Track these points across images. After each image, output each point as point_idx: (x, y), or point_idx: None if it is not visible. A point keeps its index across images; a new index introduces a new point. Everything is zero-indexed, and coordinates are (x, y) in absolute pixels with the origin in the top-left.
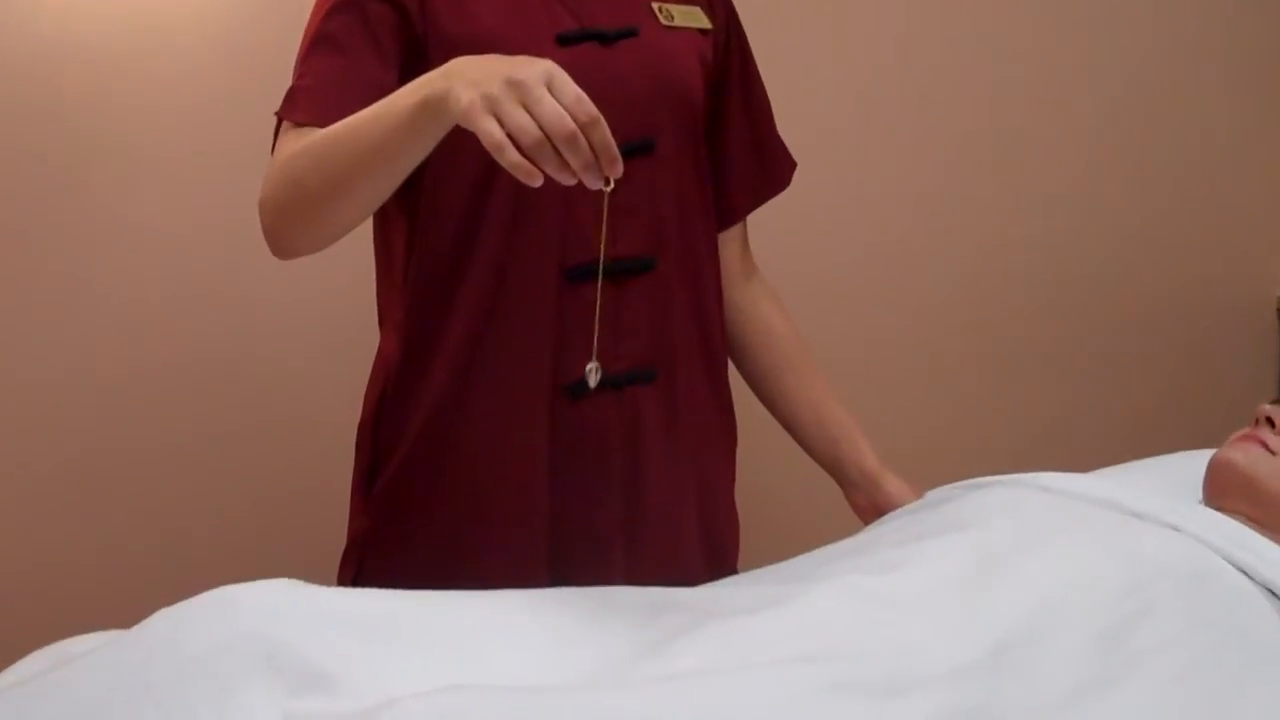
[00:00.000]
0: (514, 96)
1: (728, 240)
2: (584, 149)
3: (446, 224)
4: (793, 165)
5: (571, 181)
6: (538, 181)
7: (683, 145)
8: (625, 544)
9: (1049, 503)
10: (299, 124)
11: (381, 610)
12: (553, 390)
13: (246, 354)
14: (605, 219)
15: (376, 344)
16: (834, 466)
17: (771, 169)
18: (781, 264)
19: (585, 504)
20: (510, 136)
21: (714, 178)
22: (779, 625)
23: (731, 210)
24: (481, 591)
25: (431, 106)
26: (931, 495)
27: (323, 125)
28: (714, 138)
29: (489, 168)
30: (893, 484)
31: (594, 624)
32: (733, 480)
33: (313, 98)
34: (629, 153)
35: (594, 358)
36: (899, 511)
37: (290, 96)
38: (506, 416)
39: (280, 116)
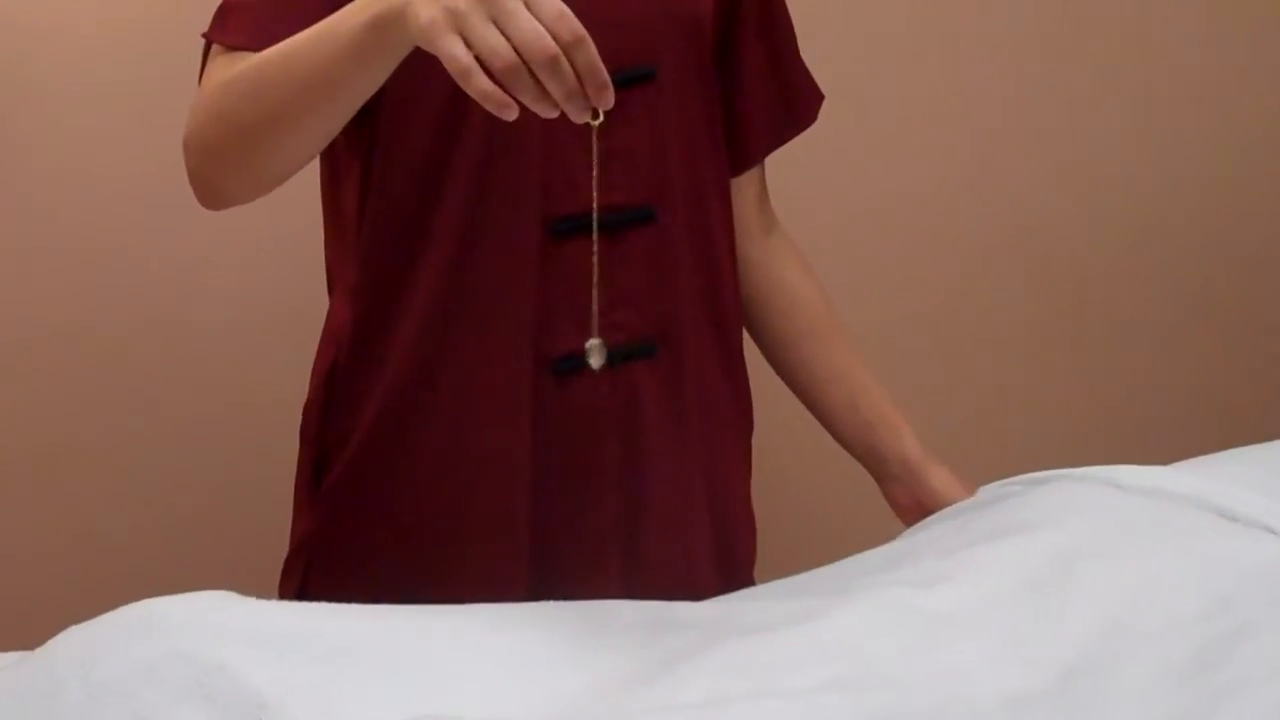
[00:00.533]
0: (483, 12)
1: (742, 187)
2: (567, 74)
3: (407, 167)
4: (819, 98)
5: (553, 113)
6: (512, 114)
7: (688, 74)
8: (622, 550)
9: (1123, 501)
10: (231, 48)
11: (331, 628)
12: (535, 367)
13: (166, 323)
14: (596, 160)
15: (325, 311)
16: (869, 456)
17: (794, 103)
18: (804, 217)
19: (574, 503)
20: (479, 59)
21: (726, 113)
22: (804, 646)
23: (747, 152)
24: (451, 606)
25: (385, 25)
26: (984, 492)
27: (259, 49)
28: (726, 66)
29: (457, 99)
30: (940, 478)
31: (584, 645)
32: (748, 475)
33: (246, 17)
34: (625, 83)
35: (595, 333)
36: (946, 512)
37: (220, 16)
38: (480, 399)
39: (208, 39)
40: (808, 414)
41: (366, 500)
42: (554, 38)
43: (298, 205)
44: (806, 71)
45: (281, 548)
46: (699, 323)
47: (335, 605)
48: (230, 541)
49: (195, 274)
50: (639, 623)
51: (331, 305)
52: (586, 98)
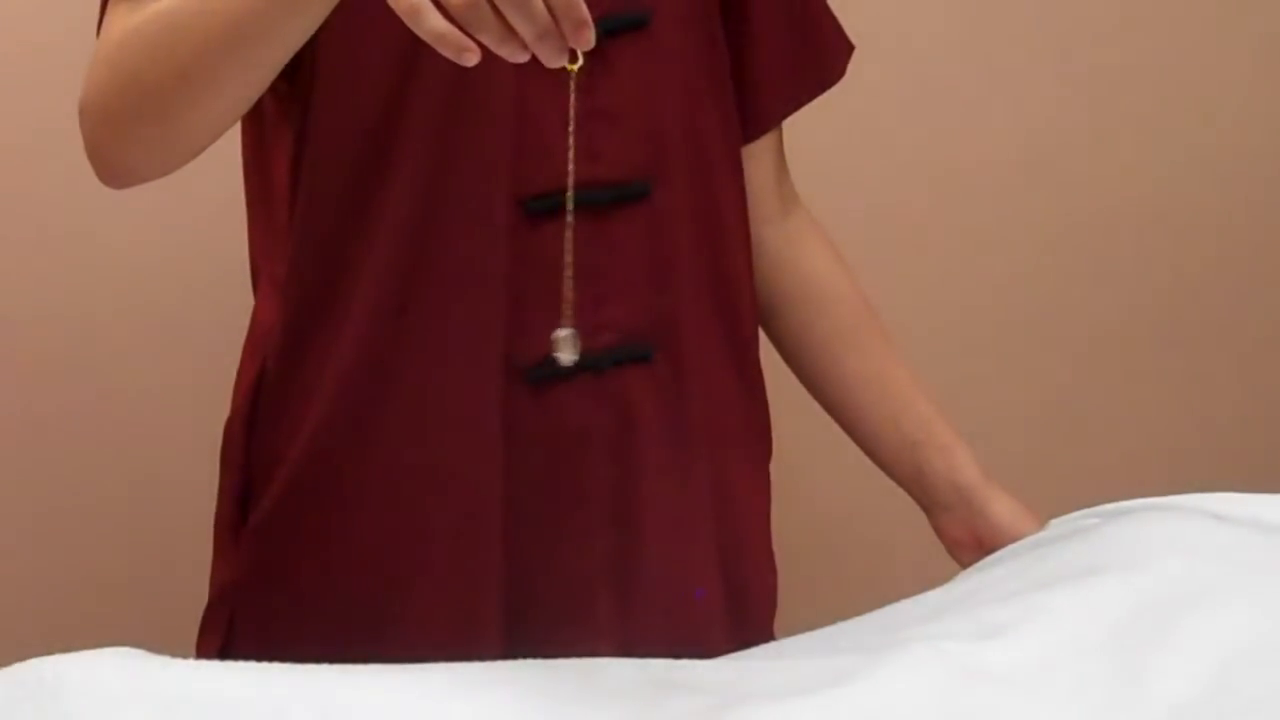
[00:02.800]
0: None
1: (755, 156)
2: (538, 8)
3: (349, 134)
4: (848, 49)
5: (521, 57)
6: (473, 58)
7: (688, 20)
8: (612, 596)
9: (1225, 535)
10: None
11: (261, 694)
12: (506, 375)
13: (56, 321)
14: (573, 119)
15: (249, 310)
16: (915, 481)
17: (817, 55)
18: (832, 198)
19: (555, 539)
20: None
21: (735, 67)
22: (836, 715)
23: (760, 114)
24: (405, 666)
25: None
26: (1055, 527)
27: None
28: (734, 9)
29: (409, 48)
30: (1002, 507)
31: (569, 713)
32: (767, 507)
33: None
34: (613, 29)
35: (565, 321)
36: (1008, 550)
37: None
38: (440, 414)
39: None
40: (837, 432)
41: (302, 538)
42: None
43: (213, 181)
44: (832, 16)
45: (199, 594)
46: (705, 322)
47: (265, 666)
48: (137, 587)
49: (87, 266)
50: (633, 685)
51: (256, 303)
52: (562, 38)
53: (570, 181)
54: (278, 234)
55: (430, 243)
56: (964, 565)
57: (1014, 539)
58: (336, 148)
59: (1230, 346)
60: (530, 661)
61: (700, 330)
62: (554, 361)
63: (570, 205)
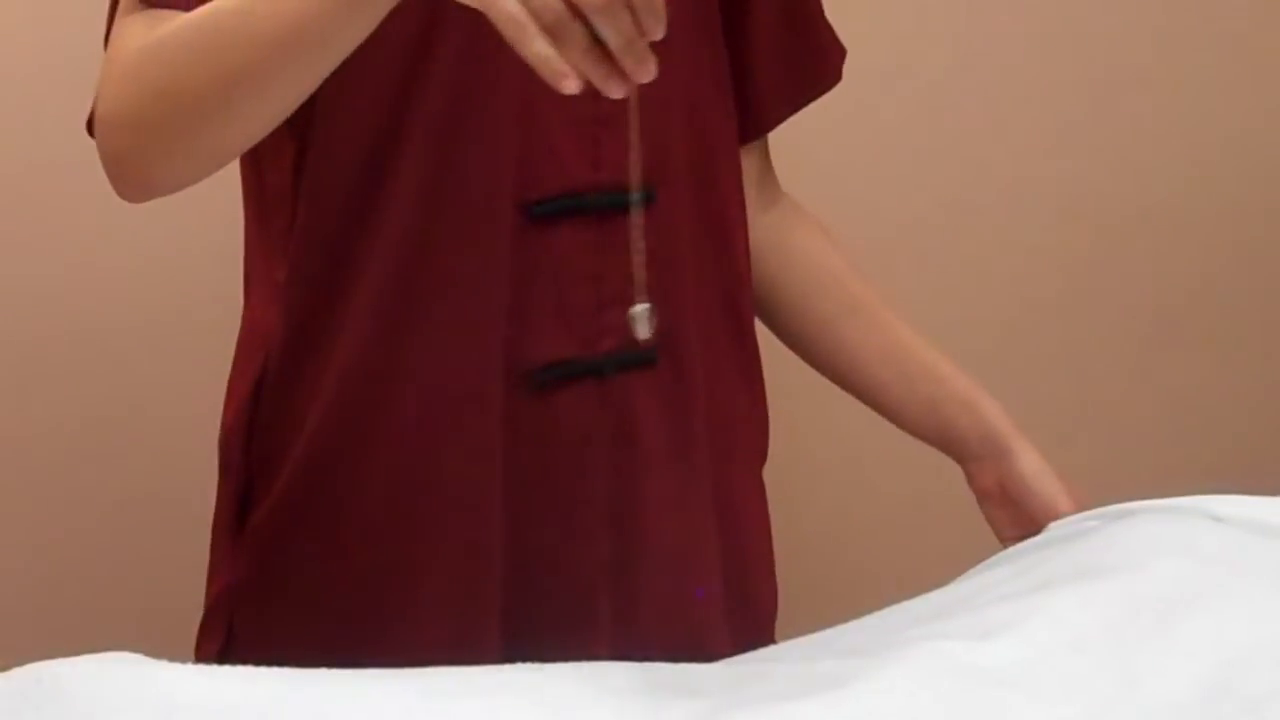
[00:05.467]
0: None
1: (743, 154)
2: (625, 22)
3: (353, 138)
4: (841, 53)
5: (618, 92)
6: (572, 86)
7: (694, 25)
8: (613, 600)
9: (1225, 537)
10: (146, 4)
11: (261, 698)
12: (508, 379)
13: (52, 323)
14: (635, 114)
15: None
16: (943, 439)
17: (814, 59)
18: (836, 202)
19: (556, 543)
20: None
21: (734, 71)
22: (837, 718)
23: (757, 118)
24: (406, 671)
25: None
26: (1055, 528)
27: (180, 4)
28: (734, 15)
29: (415, 50)
30: (1030, 460)
31: (568, 717)
32: (764, 498)
33: None
34: None
35: (640, 299)
36: (1010, 551)
37: None
38: (442, 417)
39: None
40: (830, 430)
41: (301, 540)
42: None
43: (208, 182)
44: (826, 23)
45: (197, 597)
46: (709, 326)
47: (263, 670)
48: (135, 590)
49: (83, 267)
50: (634, 689)
51: (251, 304)
52: (644, 44)
53: (636, 173)
54: (277, 238)
55: (433, 246)
56: (991, 520)
57: (1038, 493)
58: (340, 152)
59: (1228, 350)
60: (529, 665)
61: (704, 335)
62: (558, 366)
63: (636, 198)
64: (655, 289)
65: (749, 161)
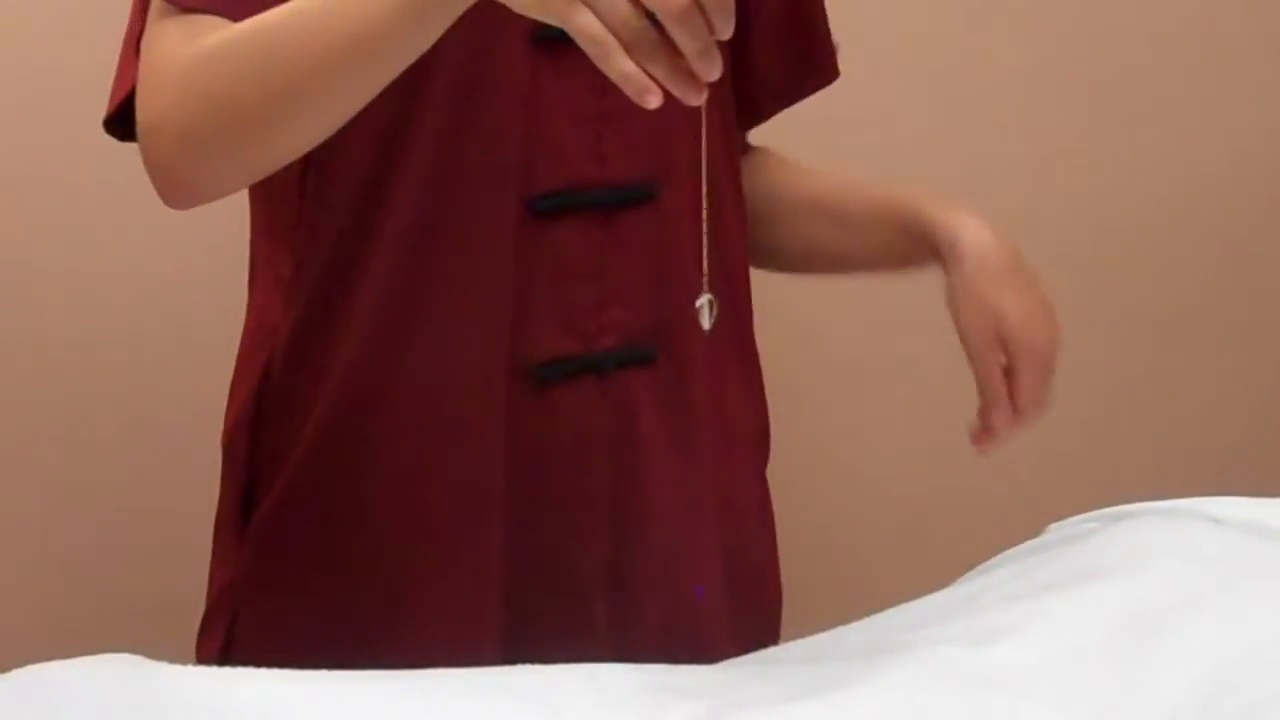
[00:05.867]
0: None
1: None
2: (700, 27)
3: (360, 134)
4: (833, 50)
5: (695, 100)
6: (654, 101)
7: None
8: (613, 600)
9: (1225, 540)
10: (186, 9)
11: (263, 700)
12: (511, 374)
13: (57, 325)
14: (705, 118)
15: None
16: (917, 240)
17: (813, 56)
18: None
19: (557, 539)
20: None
21: (733, 65)
22: None
23: (753, 112)
24: (406, 673)
25: None
26: (1054, 530)
27: (233, 15)
28: (739, 14)
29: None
30: (966, 228)
31: (569, 718)
32: (768, 498)
33: None
34: None
35: (705, 286)
36: (1009, 554)
37: None
38: (444, 411)
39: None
40: (831, 430)
41: (304, 537)
42: None
43: None
44: (826, 19)
45: (198, 594)
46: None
47: (264, 672)
48: (137, 587)
49: (86, 264)
50: (634, 690)
51: (256, 299)
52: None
53: (703, 167)
54: (283, 233)
55: (437, 241)
56: (958, 323)
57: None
58: (346, 147)
59: (1226, 352)
60: (530, 667)
61: (704, 332)
62: (561, 362)
63: (705, 191)
64: (655, 287)
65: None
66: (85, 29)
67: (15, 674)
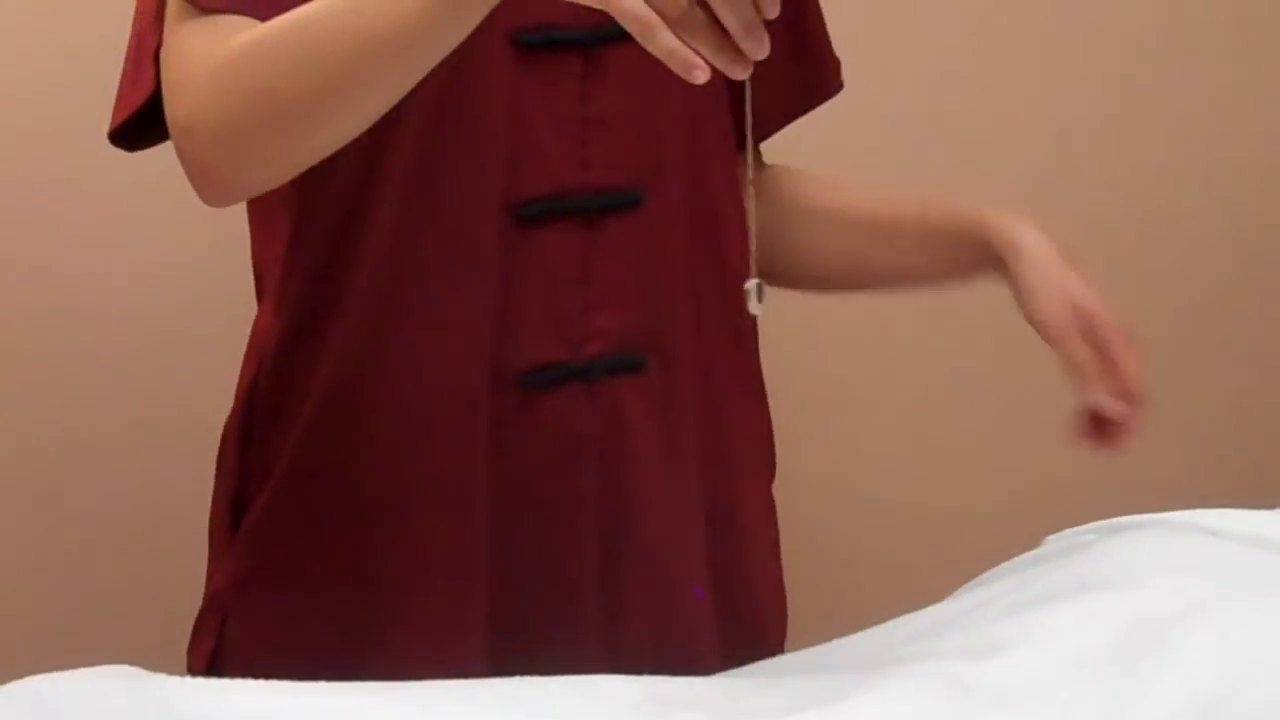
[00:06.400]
0: None
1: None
2: (747, 4)
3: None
4: (837, 64)
5: (741, 74)
6: (702, 76)
7: None
8: (603, 609)
9: (1223, 553)
10: (213, 10)
11: (260, 711)
12: (495, 381)
13: (55, 329)
14: (749, 103)
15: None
16: (967, 250)
17: (813, 69)
18: None
19: (543, 546)
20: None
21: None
22: None
23: (756, 126)
24: (404, 685)
25: None
26: (1052, 542)
27: (259, 15)
28: None
29: None
30: (1026, 231)
31: None
32: (772, 520)
33: None
34: (610, 36)
35: (752, 270)
36: (1007, 566)
37: None
38: (429, 418)
39: None
40: (834, 437)
41: (292, 542)
42: None
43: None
44: (827, 34)
45: (189, 603)
46: (702, 332)
47: (261, 684)
48: (135, 594)
49: (87, 269)
50: (632, 701)
51: (261, 309)
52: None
53: (749, 168)
54: (277, 243)
55: (421, 248)
56: (1032, 319)
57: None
58: (330, 155)
59: (1225, 364)
60: (522, 679)
61: (697, 339)
62: (546, 369)
63: (750, 171)
64: (644, 293)
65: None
66: (88, 37)
67: (12, 686)
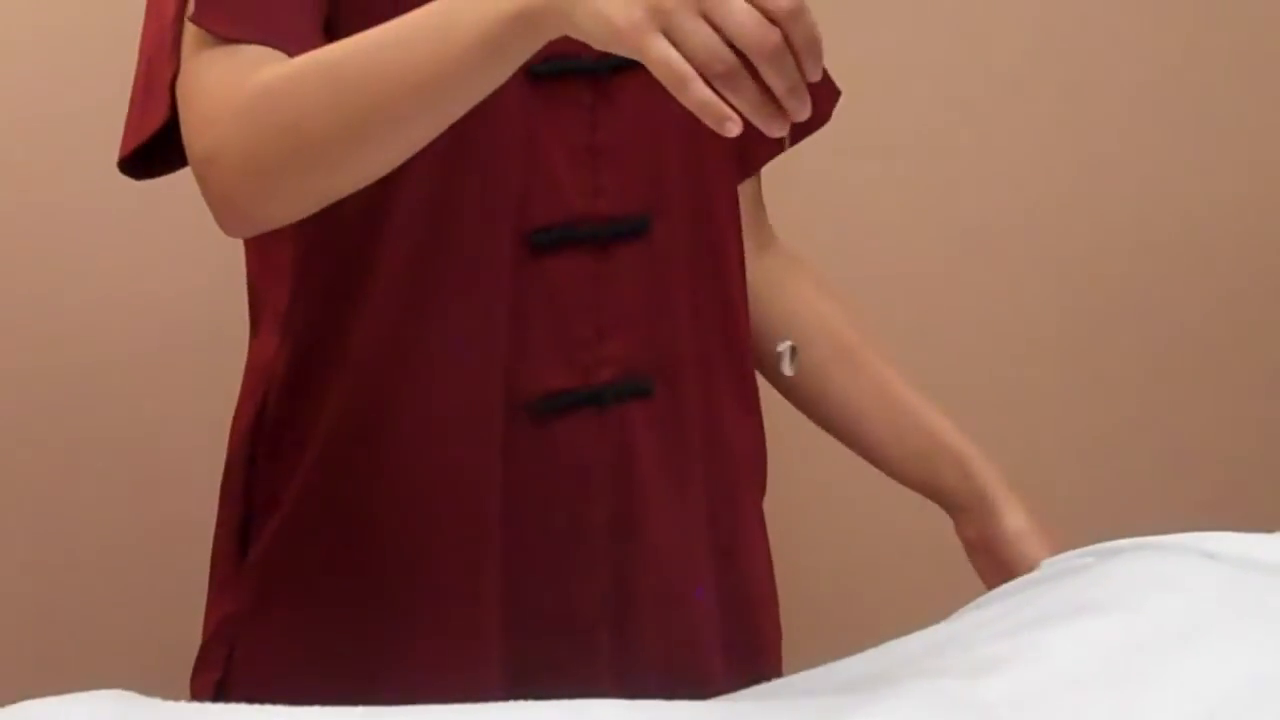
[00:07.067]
0: (690, 5)
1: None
2: (790, 67)
3: None
4: (834, 95)
5: (779, 130)
6: (735, 129)
7: None
8: (613, 634)
9: (1220, 575)
10: (232, 39)
11: None
12: (507, 408)
13: (57, 358)
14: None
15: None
16: (929, 490)
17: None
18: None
19: (556, 572)
20: (691, 63)
21: None
22: None
23: (749, 154)
24: (405, 710)
25: (537, 22)
26: (1048, 566)
27: (281, 45)
28: None
29: None
30: (1015, 519)
31: None
32: (765, 529)
33: (249, 3)
34: (617, 65)
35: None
36: (1004, 589)
37: None
38: (442, 448)
39: (209, 27)
40: (828, 459)
41: (303, 571)
42: (770, 17)
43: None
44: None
45: (193, 631)
46: (706, 355)
47: (261, 709)
48: (130, 623)
49: (86, 297)
50: None
51: (255, 339)
52: (805, 89)
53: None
54: (279, 270)
55: (434, 276)
56: (977, 567)
57: (1021, 553)
58: None
59: (1220, 387)
60: (530, 704)
61: (701, 365)
62: (558, 396)
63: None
64: (651, 318)
65: (741, 202)
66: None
67: (7, 711)
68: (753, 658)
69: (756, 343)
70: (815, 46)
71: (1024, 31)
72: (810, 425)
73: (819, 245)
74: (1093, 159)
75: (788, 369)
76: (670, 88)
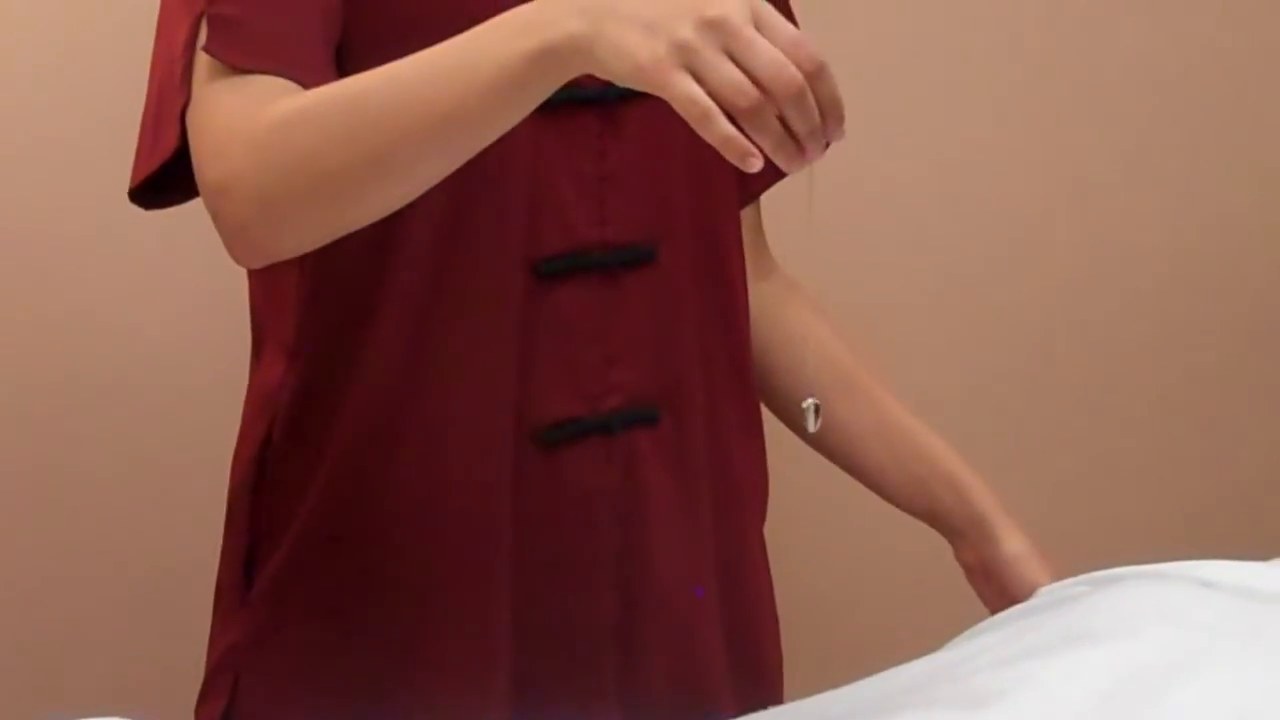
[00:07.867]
0: (717, 43)
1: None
2: (812, 108)
3: None
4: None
5: (796, 166)
6: (756, 164)
7: None
8: (621, 660)
9: (1217, 604)
10: (245, 69)
11: None
12: (517, 437)
13: (57, 386)
14: (811, 195)
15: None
16: (928, 517)
17: None
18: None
19: (563, 601)
20: (714, 98)
21: None
22: None
23: (744, 183)
24: None
25: (561, 58)
26: (1044, 594)
27: (293, 76)
28: None
29: None
30: (1014, 543)
31: None
32: (767, 562)
33: (262, 33)
34: (624, 95)
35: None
36: (999, 617)
37: (221, 28)
38: (450, 477)
39: (222, 57)
40: (828, 485)
41: (310, 600)
42: (795, 66)
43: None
44: None
45: (198, 660)
46: (711, 381)
47: None
48: (134, 653)
49: (87, 325)
50: None
51: (258, 366)
52: (823, 134)
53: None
54: (284, 299)
55: (442, 307)
56: (976, 591)
57: (1020, 577)
58: None
59: (1220, 416)
60: None
61: (707, 392)
62: (567, 424)
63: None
64: (658, 345)
65: (744, 230)
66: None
67: None
68: (755, 681)
69: (756, 366)
70: (838, 107)
71: (1024, 38)
72: (808, 449)
73: (816, 264)
74: (1093, 173)
75: (812, 426)
76: (693, 123)
